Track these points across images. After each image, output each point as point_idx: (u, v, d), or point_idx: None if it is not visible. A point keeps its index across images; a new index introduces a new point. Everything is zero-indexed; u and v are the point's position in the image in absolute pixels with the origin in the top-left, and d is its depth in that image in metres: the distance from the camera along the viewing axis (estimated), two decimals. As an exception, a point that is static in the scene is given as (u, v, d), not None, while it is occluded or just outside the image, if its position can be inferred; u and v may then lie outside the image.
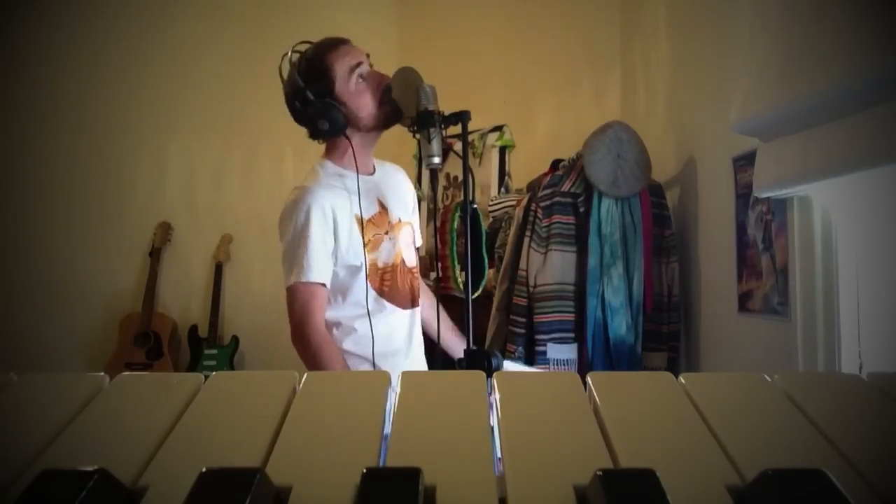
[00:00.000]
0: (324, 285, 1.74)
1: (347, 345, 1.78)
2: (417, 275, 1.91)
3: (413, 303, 1.86)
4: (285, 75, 1.77)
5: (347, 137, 1.77)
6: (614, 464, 0.46)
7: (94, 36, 3.86)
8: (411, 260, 1.88)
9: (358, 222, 1.75)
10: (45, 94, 3.85)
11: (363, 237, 1.74)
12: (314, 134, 1.80)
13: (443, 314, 1.83)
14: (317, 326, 1.74)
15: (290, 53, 1.78)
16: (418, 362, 1.87)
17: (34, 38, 3.83)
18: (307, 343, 1.73)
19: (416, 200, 2.01)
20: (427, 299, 1.96)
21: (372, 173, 1.86)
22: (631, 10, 3.45)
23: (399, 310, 1.83)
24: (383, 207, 1.83)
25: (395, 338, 1.82)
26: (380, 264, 1.79)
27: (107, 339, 3.79)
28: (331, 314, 1.78)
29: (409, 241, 1.89)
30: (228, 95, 3.86)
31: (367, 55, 1.82)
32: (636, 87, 3.37)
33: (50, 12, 3.84)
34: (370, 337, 1.75)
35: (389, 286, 1.81)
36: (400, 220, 1.86)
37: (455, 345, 1.89)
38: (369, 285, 1.76)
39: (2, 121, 3.84)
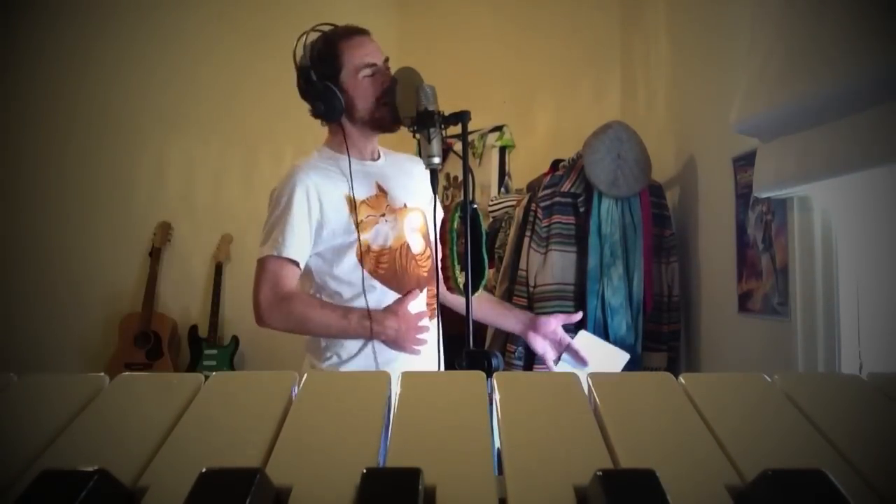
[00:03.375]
0: (296, 264, 1.76)
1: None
2: (426, 262, 1.89)
3: (417, 289, 1.85)
4: (299, 52, 1.81)
5: (341, 125, 1.81)
6: (614, 464, 0.46)
7: (95, 36, 3.86)
8: (417, 246, 1.87)
9: (349, 202, 1.77)
10: (44, 94, 3.85)
11: (356, 216, 1.76)
12: (313, 113, 1.84)
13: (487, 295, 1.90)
14: (292, 291, 1.76)
15: (307, 34, 1.80)
16: (425, 353, 1.82)
17: (36, 38, 3.83)
18: (287, 309, 1.75)
19: (432, 192, 2.01)
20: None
21: (375, 160, 1.89)
22: (631, 10, 3.45)
23: (394, 293, 1.81)
24: (382, 191, 1.84)
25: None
26: (374, 246, 1.79)
27: (107, 339, 3.79)
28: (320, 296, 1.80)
29: (415, 226, 1.88)
30: (229, 96, 3.86)
31: (387, 59, 1.84)
32: (636, 87, 3.37)
33: (52, 12, 3.84)
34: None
35: (386, 269, 1.80)
36: (406, 206, 1.86)
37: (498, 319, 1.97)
38: (362, 264, 1.77)
39: (1, 120, 3.84)
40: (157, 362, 3.69)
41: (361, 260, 1.77)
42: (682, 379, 0.57)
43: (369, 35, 1.85)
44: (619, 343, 2.46)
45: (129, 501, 0.41)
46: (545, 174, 2.78)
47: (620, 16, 3.56)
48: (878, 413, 0.54)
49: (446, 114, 1.72)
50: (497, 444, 0.49)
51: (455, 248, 1.71)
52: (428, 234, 1.91)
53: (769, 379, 0.57)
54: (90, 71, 3.85)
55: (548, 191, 2.60)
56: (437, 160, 1.71)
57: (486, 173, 3.61)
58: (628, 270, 2.50)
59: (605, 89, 3.60)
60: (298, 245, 1.75)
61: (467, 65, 3.67)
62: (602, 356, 2.00)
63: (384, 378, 0.56)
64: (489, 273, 2.07)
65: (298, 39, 1.80)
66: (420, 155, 1.78)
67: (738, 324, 2.21)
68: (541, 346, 1.96)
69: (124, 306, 3.83)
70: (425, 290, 1.88)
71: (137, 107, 3.86)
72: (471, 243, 1.68)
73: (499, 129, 3.66)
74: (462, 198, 1.71)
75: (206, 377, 0.57)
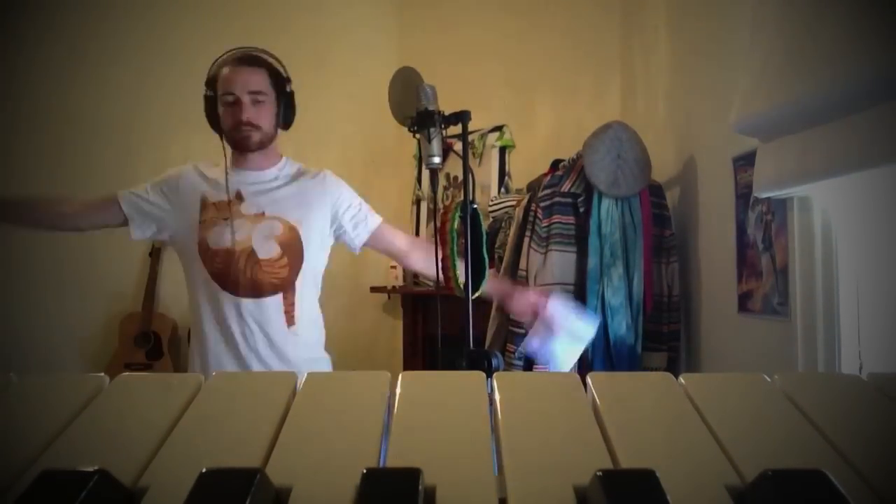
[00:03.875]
0: (115, 202, 1.93)
1: (196, 327, 1.96)
2: (280, 269, 1.94)
3: (254, 292, 1.91)
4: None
5: (219, 133, 2.00)
6: (614, 464, 0.46)
7: (95, 37, 3.86)
8: (265, 252, 1.93)
9: (202, 202, 1.95)
10: (45, 94, 3.85)
11: (200, 215, 1.92)
12: None
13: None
14: (59, 202, 2.00)
15: (227, 53, 1.99)
16: (273, 356, 1.91)
17: (37, 39, 3.83)
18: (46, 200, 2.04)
19: (332, 211, 2.01)
20: (423, 253, 2.05)
21: (265, 169, 1.99)
22: (631, 10, 3.45)
23: (230, 295, 1.91)
24: (239, 198, 1.94)
25: (227, 324, 1.91)
26: (211, 245, 1.91)
27: (107, 339, 3.79)
28: (193, 300, 1.96)
29: (269, 234, 1.94)
30: (228, 95, 3.85)
31: (258, 92, 1.91)
32: (636, 88, 3.37)
33: (53, 13, 3.84)
34: (203, 316, 1.93)
35: (220, 269, 1.91)
36: (264, 214, 1.94)
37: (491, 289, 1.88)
38: (202, 263, 1.92)
39: (2, 120, 3.84)
40: (157, 362, 3.69)
41: (202, 258, 1.91)
42: (682, 379, 0.57)
43: (253, 67, 1.93)
44: (619, 343, 2.46)
45: (129, 501, 0.41)
46: (545, 174, 2.78)
47: (620, 16, 3.56)
48: (878, 413, 0.54)
49: (446, 114, 1.72)
50: (497, 443, 0.49)
51: (455, 248, 1.71)
52: (293, 243, 1.96)
53: (769, 379, 0.57)
54: (90, 71, 3.85)
55: (548, 191, 2.60)
56: (437, 160, 1.71)
57: (486, 173, 3.62)
58: (628, 270, 2.50)
59: (605, 89, 3.60)
60: (130, 197, 1.94)
61: (467, 65, 3.67)
62: (571, 328, 1.91)
63: (384, 378, 0.56)
64: (489, 273, 2.07)
65: (222, 55, 1.99)
66: (420, 155, 1.78)
67: (738, 324, 2.21)
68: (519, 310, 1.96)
69: (124, 306, 3.83)
70: (280, 296, 1.93)
71: (137, 106, 3.86)
72: (471, 243, 1.69)
73: (499, 129, 3.66)
74: (462, 198, 1.71)
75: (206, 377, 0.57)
